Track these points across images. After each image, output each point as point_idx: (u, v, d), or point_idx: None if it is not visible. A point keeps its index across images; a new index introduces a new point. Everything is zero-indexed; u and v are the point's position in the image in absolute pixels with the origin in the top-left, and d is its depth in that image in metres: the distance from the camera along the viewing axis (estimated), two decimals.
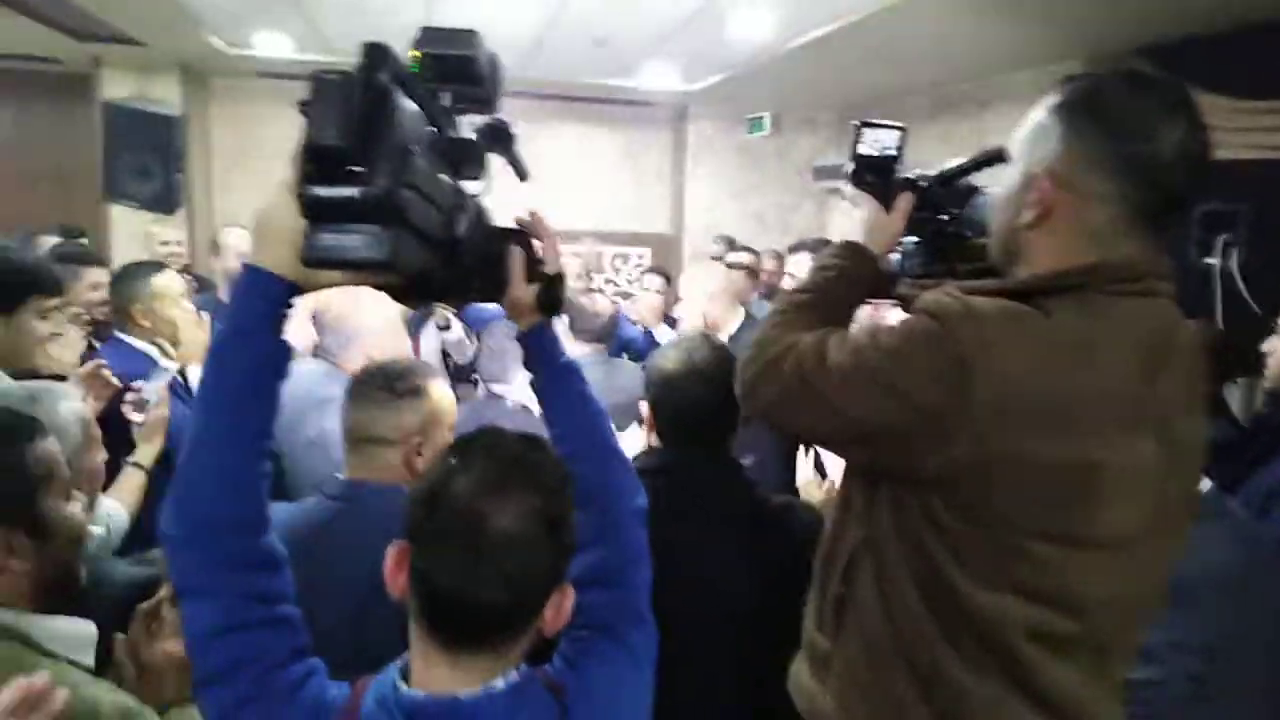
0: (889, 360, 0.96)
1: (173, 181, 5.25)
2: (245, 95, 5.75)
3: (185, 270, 4.14)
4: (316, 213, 0.81)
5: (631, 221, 6.51)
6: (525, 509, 0.86)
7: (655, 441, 1.65)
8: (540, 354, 1.16)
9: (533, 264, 1.11)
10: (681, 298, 3.48)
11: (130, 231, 5.12)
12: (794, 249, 4.12)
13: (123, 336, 2.45)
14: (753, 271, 4.47)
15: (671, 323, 3.99)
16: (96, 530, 1.67)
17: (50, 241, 3.74)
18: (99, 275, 2.84)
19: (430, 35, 0.98)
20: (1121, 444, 0.94)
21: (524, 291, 1.11)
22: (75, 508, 1.19)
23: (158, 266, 2.59)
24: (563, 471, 0.95)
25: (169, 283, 2.51)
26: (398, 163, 0.80)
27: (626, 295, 5.65)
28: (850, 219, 1.30)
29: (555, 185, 5.20)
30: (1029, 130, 1.03)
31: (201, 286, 4.04)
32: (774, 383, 1.04)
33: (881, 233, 1.24)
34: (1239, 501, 1.81)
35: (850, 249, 1.22)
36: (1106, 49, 3.75)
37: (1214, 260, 2.93)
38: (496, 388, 2.12)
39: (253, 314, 0.92)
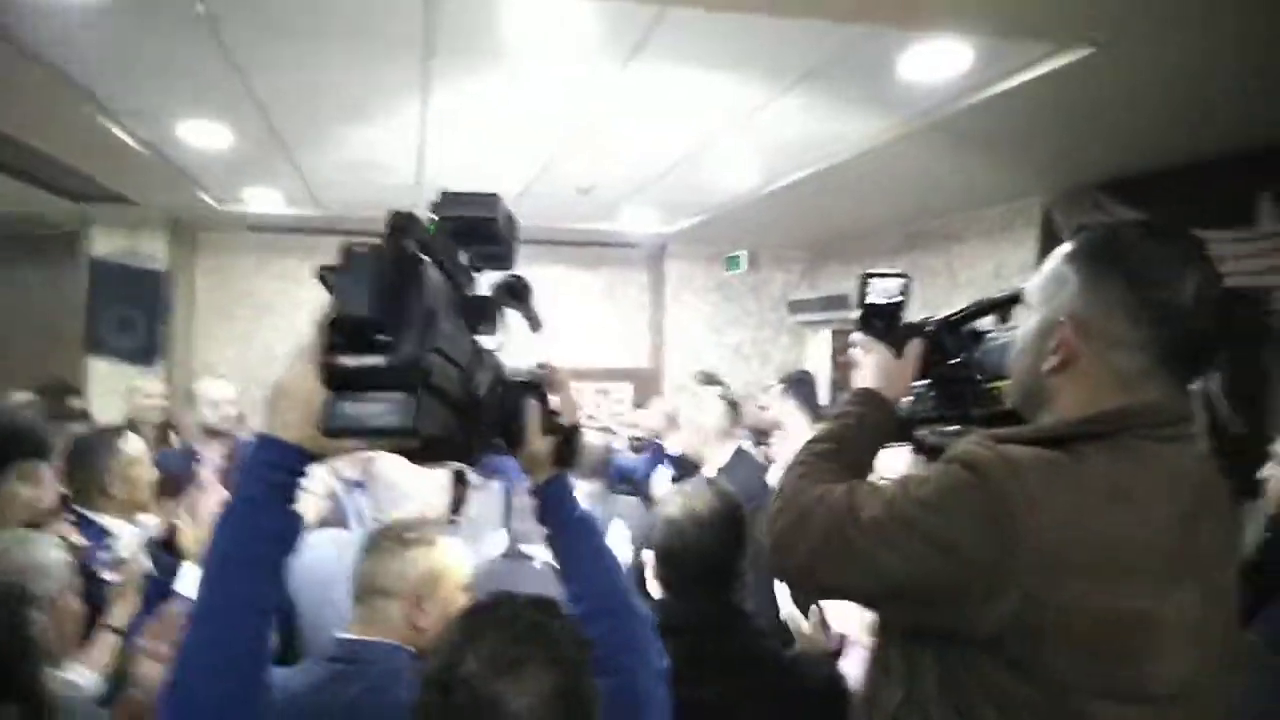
0: (929, 514, 0.94)
1: (155, 335, 5.28)
2: (230, 247, 5.84)
3: (166, 424, 4.08)
4: (342, 382, 0.79)
5: (612, 358, 6.58)
6: (542, 688, 0.82)
7: (660, 589, 1.60)
8: (556, 508, 1.12)
9: (549, 416, 1.09)
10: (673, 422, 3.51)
11: (108, 386, 5.07)
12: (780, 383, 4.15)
13: (87, 514, 2.21)
14: (736, 405, 4.50)
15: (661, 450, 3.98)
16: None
17: (24, 398, 3.69)
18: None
19: (450, 199, 0.99)
20: (1167, 593, 0.92)
21: (541, 444, 1.08)
22: (58, 677, 1.13)
23: (117, 432, 2.47)
24: (581, 638, 0.90)
25: (138, 446, 2.40)
26: (424, 329, 0.79)
27: (607, 430, 5.63)
28: (825, 350, 1.31)
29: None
30: (1044, 278, 1.04)
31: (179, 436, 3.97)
32: (806, 539, 1.01)
33: (896, 378, 1.24)
34: (1253, 632, 1.77)
35: (866, 396, 1.22)
36: (1071, 184, 3.94)
37: (1195, 385, 2.97)
38: (525, 548, 2.09)
39: (265, 484, 0.87)
